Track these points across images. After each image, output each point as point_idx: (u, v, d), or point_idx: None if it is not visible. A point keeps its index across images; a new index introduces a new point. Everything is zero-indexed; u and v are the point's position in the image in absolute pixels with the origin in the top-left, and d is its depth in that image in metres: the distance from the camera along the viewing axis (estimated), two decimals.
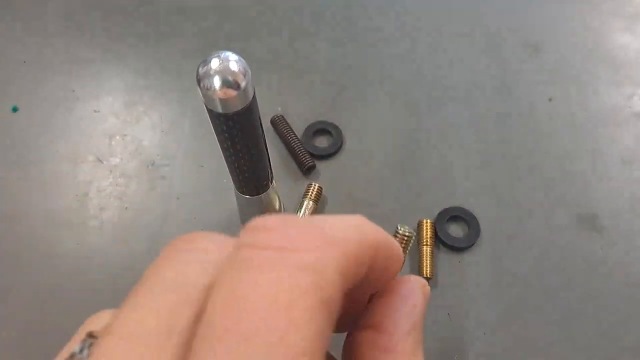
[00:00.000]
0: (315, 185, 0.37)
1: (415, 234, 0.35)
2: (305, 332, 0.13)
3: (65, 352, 0.18)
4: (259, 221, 0.15)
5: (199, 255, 0.16)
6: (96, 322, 0.18)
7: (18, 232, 0.37)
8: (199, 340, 0.13)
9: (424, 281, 0.19)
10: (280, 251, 0.14)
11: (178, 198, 0.38)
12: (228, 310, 0.13)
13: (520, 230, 0.37)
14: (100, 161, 0.40)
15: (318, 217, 0.15)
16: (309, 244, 0.14)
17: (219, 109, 0.21)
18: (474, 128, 0.42)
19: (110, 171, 0.40)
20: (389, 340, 0.17)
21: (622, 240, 0.36)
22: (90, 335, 0.17)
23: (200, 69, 0.20)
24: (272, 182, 0.30)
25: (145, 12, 0.49)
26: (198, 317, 0.14)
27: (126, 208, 0.38)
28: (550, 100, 0.43)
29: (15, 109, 0.43)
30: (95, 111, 0.43)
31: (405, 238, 0.34)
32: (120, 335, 0.14)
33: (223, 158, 0.26)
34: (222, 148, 0.24)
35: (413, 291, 0.18)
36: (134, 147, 0.41)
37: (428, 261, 0.35)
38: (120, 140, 0.41)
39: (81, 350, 0.17)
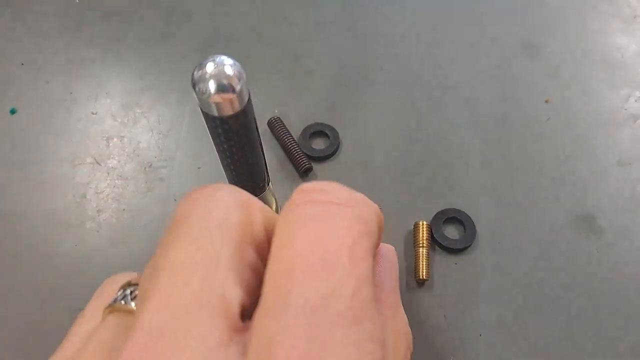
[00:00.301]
0: None
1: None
2: (367, 264, 0.16)
3: (97, 304, 0.20)
4: (313, 184, 0.18)
5: (221, 201, 0.18)
6: (115, 284, 0.20)
7: (17, 233, 0.37)
8: (275, 264, 0.16)
9: (392, 247, 0.22)
10: (338, 206, 0.17)
11: (175, 199, 0.39)
12: (304, 246, 0.16)
13: (516, 231, 0.37)
14: (98, 163, 0.40)
15: None
16: (356, 202, 0.18)
17: (215, 113, 0.21)
18: (472, 129, 0.42)
19: (108, 173, 0.40)
20: (378, 293, 0.20)
21: (619, 241, 0.36)
22: (129, 284, 0.19)
23: (195, 73, 0.20)
24: (268, 185, 0.30)
25: (144, 14, 0.49)
26: (237, 249, 0.17)
27: (124, 210, 0.38)
28: (547, 101, 0.43)
29: (13, 111, 0.43)
30: (93, 113, 0.43)
31: None
32: (173, 269, 0.16)
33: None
34: (217, 151, 0.24)
35: (388, 252, 0.22)
36: (131, 149, 0.41)
37: (424, 263, 0.35)
38: (118, 142, 0.41)
39: (123, 297, 0.18)
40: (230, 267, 0.16)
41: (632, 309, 0.34)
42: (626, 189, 0.39)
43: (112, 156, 0.41)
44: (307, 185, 0.18)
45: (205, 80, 0.20)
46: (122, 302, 0.18)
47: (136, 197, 0.39)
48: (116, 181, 0.39)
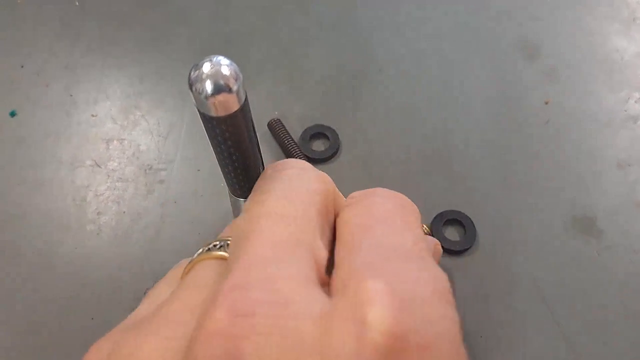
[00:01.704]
0: None
1: None
2: (419, 230, 0.20)
3: (173, 274, 0.23)
4: (362, 192, 0.23)
5: (306, 171, 0.22)
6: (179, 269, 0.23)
7: (16, 235, 0.37)
8: (344, 228, 0.20)
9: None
10: (385, 197, 0.22)
11: (175, 202, 0.39)
12: (365, 215, 0.20)
13: (516, 233, 0.37)
14: (98, 165, 0.40)
15: None
16: (397, 195, 0.22)
17: (211, 113, 0.21)
18: (471, 131, 0.42)
19: (108, 175, 0.40)
20: None
21: (619, 244, 0.36)
22: (208, 244, 0.21)
23: (192, 73, 0.20)
24: None
25: (144, 17, 0.49)
26: (319, 212, 0.20)
27: (124, 212, 0.38)
28: (546, 103, 0.43)
29: (13, 114, 0.43)
30: (93, 116, 0.43)
31: None
32: (272, 216, 0.19)
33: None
34: (215, 151, 0.24)
35: None
36: (131, 151, 0.41)
37: None
38: (118, 145, 0.41)
39: (207, 250, 0.21)
40: (316, 224, 0.19)
41: (631, 312, 0.34)
42: (626, 191, 0.38)
43: (112, 159, 0.41)
44: (357, 193, 0.23)
45: (202, 81, 0.20)
46: (216, 248, 0.21)
47: (136, 199, 0.39)
48: (116, 184, 0.40)
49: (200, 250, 0.21)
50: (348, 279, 0.17)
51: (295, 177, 0.21)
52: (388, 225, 0.19)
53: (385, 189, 0.22)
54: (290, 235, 0.18)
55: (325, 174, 0.23)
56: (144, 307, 0.21)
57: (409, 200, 0.22)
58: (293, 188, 0.20)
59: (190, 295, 0.19)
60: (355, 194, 0.22)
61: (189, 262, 0.21)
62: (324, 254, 0.19)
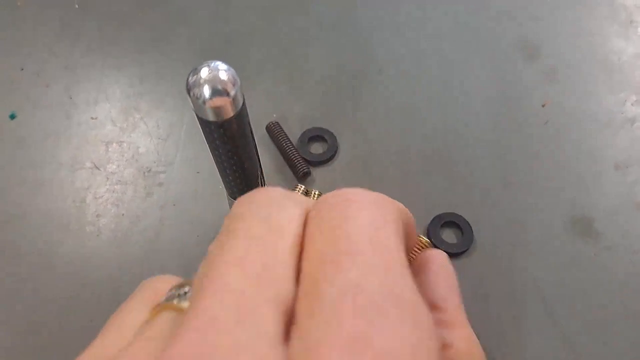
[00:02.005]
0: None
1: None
2: (395, 254, 0.16)
3: (141, 299, 0.20)
4: (342, 191, 0.18)
5: (277, 199, 0.18)
6: (159, 283, 0.20)
7: (16, 237, 0.38)
8: (305, 260, 0.16)
9: (444, 252, 0.21)
10: (354, 203, 0.18)
11: (174, 204, 0.39)
12: (326, 240, 0.16)
13: (514, 235, 0.37)
14: (98, 168, 0.40)
15: None
16: (373, 200, 0.18)
17: (209, 117, 0.21)
18: (469, 133, 0.42)
19: (107, 178, 0.40)
20: (449, 316, 0.19)
21: (616, 245, 0.36)
22: (182, 285, 0.19)
23: (190, 78, 0.20)
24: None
25: (143, 18, 0.49)
26: (294, 245, 0.17)
27: (123, 214, 0.38)
28: (544, 105, 0.43)
29: (13, 116, 0.43)
30: (92, 118, 0.43)
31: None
32: (230, 261, 0.16)
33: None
34: (213, 155, 0.24)
35: (444, 263, 0.20)
36: (130, 154, 0.41)
37: None
38: (117, 147, 0.41)
39: (177, 296, 0.18)
40: (290, 265, 0.16)
41: (630, 312, 0.34)
42: (623, 193, 0.38)
43: (111, 161, 0.41)
44: (339, 191, 0.19)
45: (200, 86, 0.20)
46: (175, 301, 0.18)
47: (135, 201, 0.39)
48: (115, 186, 0.40)
49: (170, 292, 0.19)
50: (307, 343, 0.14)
51: (267, 210, 0.18)
52: (361, 259, 0.15)
53: (361, 192, 0.18)
54: (258, 283, 0.15)
55: (303, 196, 0.20)
56: (112, 339, 0.19)
57: (390, 205, 0.19)
58: (257, 222, 0.17)
59: (145, 348, 0.17)
60: (325, 197, 0.19)
61: (159, 304, 0.19)
62: (293, 297, 0.16)
